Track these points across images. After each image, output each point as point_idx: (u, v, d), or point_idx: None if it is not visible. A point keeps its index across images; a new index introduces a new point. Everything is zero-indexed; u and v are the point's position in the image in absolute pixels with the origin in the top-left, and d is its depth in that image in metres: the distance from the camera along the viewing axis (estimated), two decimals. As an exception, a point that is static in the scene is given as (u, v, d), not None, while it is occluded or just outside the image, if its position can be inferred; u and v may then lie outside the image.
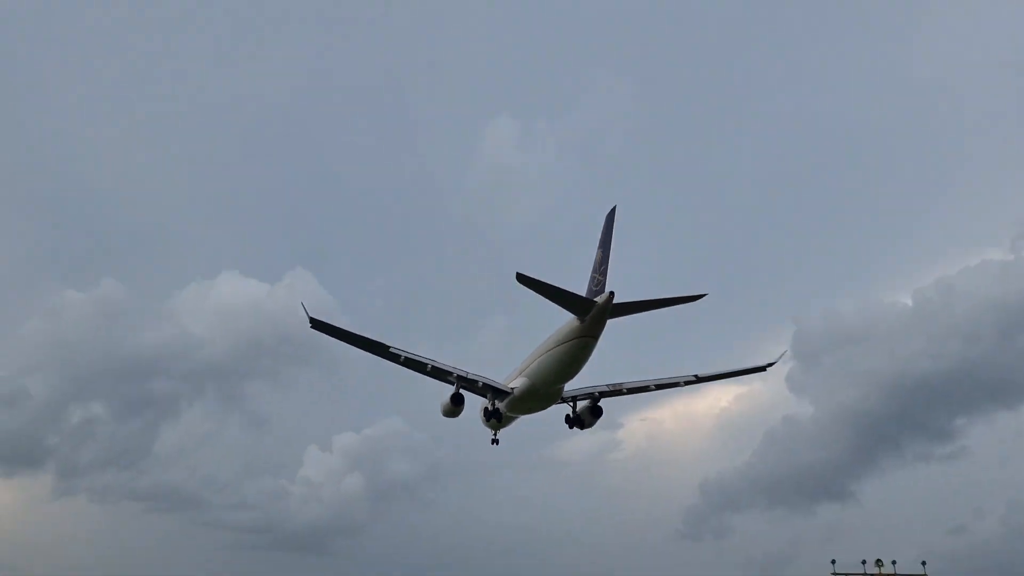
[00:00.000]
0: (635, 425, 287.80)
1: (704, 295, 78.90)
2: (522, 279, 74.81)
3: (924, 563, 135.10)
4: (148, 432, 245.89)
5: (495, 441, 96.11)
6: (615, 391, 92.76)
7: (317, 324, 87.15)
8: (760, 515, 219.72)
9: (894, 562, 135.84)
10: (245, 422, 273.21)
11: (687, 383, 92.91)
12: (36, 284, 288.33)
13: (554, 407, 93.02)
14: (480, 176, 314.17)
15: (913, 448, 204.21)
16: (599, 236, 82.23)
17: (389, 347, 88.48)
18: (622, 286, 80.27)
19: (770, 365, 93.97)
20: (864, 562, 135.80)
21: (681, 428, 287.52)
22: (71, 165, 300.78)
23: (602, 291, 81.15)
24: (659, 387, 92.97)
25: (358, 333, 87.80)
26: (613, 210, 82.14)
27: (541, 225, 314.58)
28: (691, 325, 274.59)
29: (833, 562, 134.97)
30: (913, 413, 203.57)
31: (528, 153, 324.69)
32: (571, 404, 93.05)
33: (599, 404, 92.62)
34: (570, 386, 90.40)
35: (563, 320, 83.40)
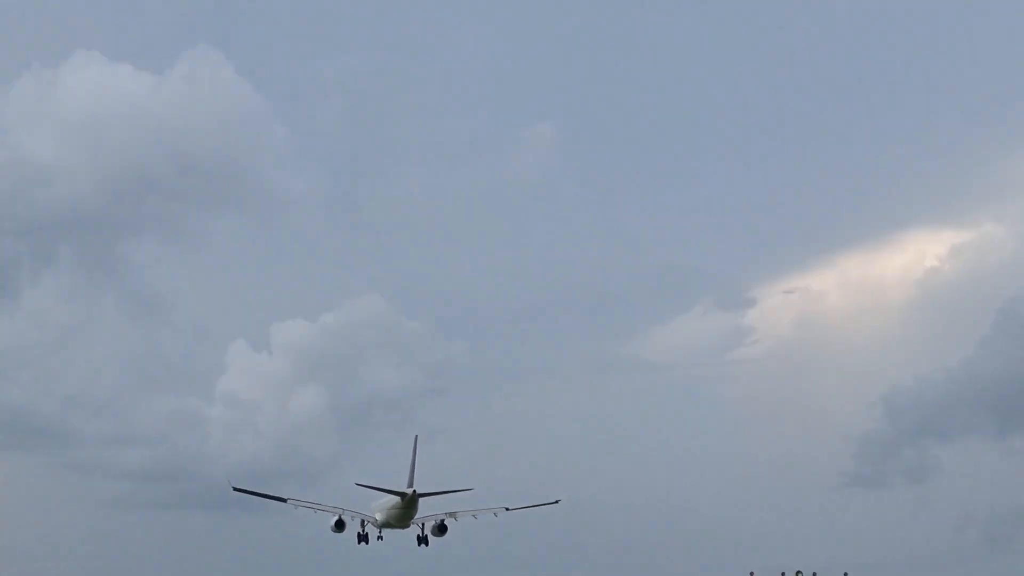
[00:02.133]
0: (775, 301, 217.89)
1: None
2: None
3: None
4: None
5: (379, 537, 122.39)
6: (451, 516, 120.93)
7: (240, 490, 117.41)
8: (984, 446, 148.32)
9: None
10: (128, 305, 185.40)
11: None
12: None
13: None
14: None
15: None
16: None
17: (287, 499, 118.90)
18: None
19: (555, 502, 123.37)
20: None
21: (853, 304, 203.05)
22: None
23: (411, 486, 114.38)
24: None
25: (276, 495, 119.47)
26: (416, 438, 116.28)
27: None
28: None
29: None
30: None
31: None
32: (420, 525, 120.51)
33: (444, 524, 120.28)
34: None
35: None
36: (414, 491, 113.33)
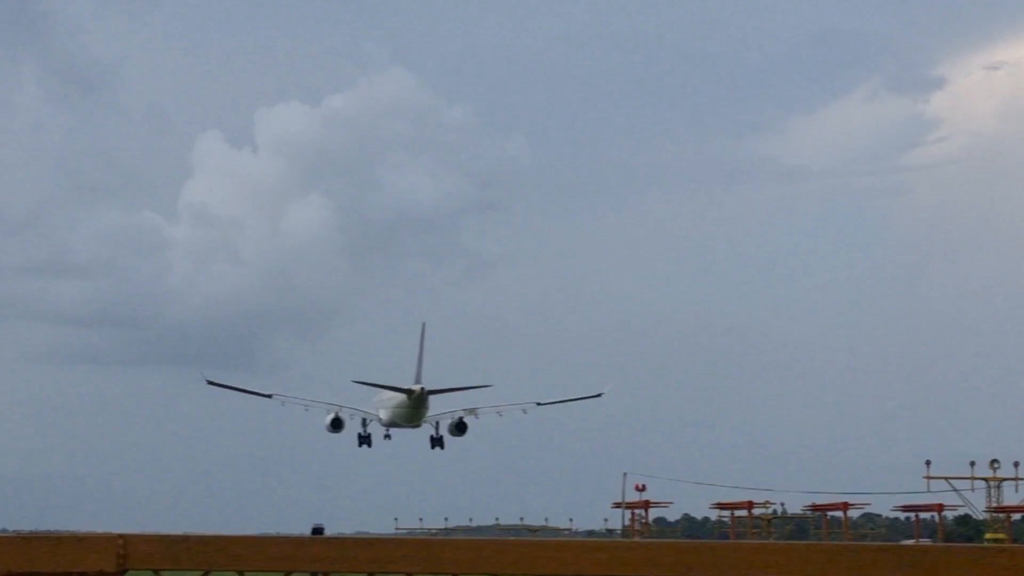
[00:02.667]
0: (972, 80, 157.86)
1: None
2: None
3: None
4: None
5: (387, 436, 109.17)
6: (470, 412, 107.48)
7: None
8: None
9: None
10: (56, 80, 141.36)
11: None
12: None
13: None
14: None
15: None
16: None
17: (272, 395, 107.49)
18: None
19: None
20: None
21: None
22: None
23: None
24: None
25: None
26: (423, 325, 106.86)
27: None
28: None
29: None
30: None
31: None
32: (435, 425, 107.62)
33: (464, 422, 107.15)
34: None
35: None
36: (422, 388, 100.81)
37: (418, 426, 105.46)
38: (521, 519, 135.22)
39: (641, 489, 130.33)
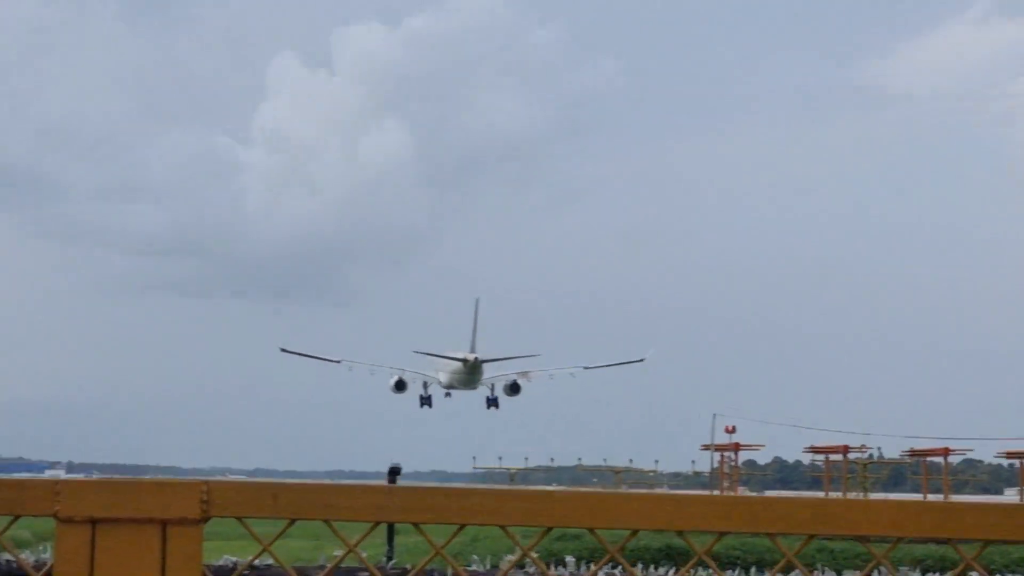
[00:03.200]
0: None
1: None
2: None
3: None
4: None
5: (447, 394, 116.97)
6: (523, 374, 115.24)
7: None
8: None
9: None
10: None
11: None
12: None
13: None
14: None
15: None
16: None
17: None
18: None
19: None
20: None
21: None
22: None
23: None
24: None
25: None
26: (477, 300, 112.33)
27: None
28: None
29: None
30: None
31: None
32: (490, 387, 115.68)
33: (518, 383, 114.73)
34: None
35: None
36: (476, 358, 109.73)
37: (475, 388, 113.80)
38: (604, 460, 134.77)
39: (731, 431, 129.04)
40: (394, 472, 61.05)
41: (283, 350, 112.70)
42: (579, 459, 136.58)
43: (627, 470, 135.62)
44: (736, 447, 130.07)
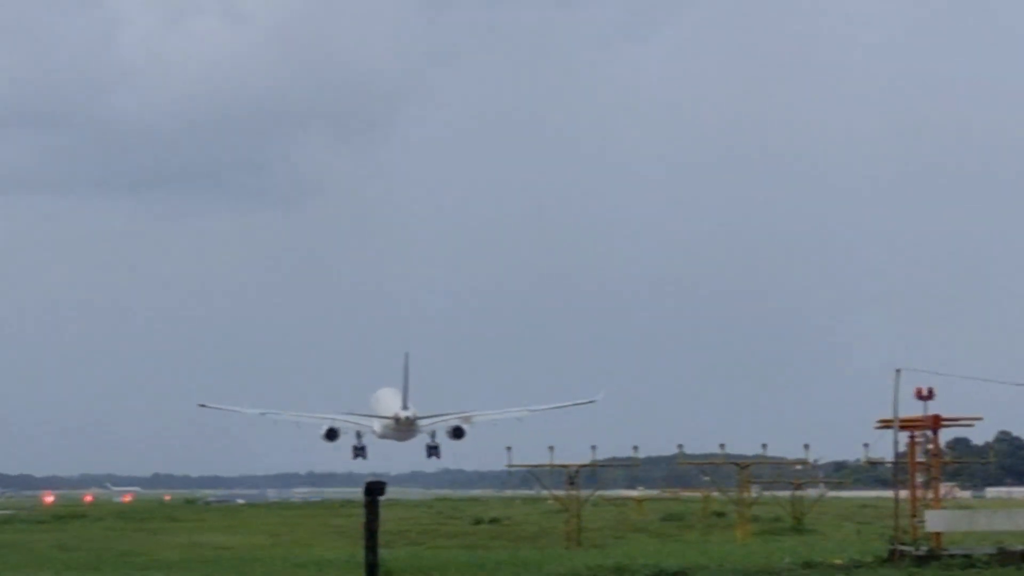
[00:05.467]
0: None
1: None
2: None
3: None
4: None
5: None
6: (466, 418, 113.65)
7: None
8: None
9: None
10: None
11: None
12: None
13: None
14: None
15: None
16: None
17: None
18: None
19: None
20: None
21: None
22: None
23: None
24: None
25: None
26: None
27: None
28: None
29: None
30: None
31: None
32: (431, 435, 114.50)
33: (460, 428, 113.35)
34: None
35: None
36: (408, 416, 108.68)
37: (411, 439, 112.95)
38: (721, 446, 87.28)
39: (926, 397, 79.95)
40: (377, 489, 41.80)
41: (201, 405, 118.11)
42: (679, 447, 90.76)
43: (759, 461, 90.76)
44: (935, 421, 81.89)
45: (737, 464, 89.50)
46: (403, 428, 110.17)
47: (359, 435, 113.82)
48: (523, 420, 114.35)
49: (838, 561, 56.03)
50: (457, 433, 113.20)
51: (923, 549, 56.22)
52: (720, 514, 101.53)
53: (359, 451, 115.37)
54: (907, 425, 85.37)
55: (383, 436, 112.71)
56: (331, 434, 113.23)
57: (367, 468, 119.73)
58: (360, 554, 37.84)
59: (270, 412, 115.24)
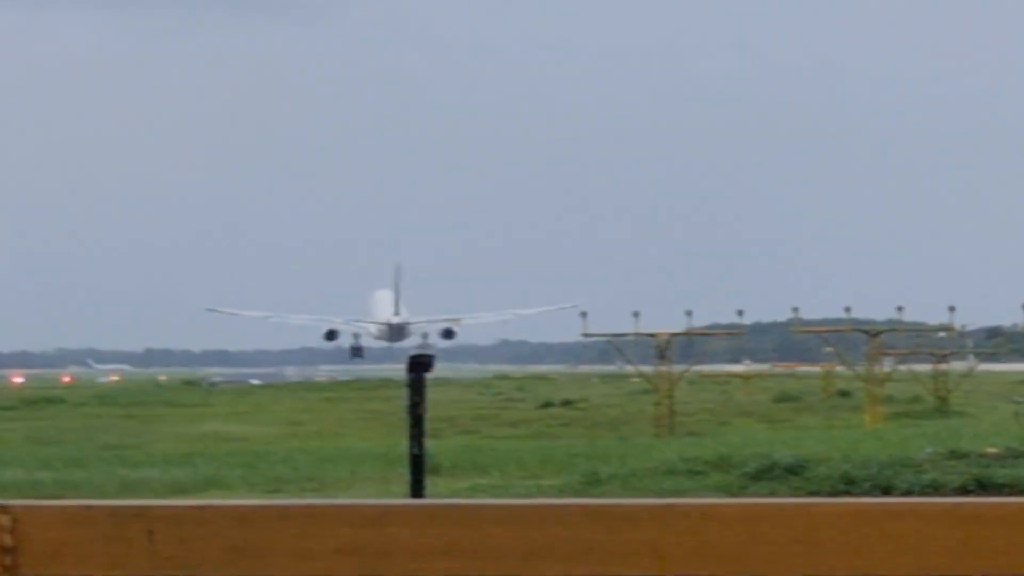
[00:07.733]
0: None
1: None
2: None
3: None
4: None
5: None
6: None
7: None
8: None
9: None
10: None
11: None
12: None
13: None
14: None
15: None
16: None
17: None
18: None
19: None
20: None
21: None
22: None
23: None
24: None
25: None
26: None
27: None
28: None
29: None
30: None
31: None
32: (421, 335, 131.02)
33: (451, 329, 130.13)
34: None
35: None
36: (399, 322, 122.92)
37: (402, 341, 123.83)
38: (846, 310, 75.20)
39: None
40: (423, 365, 28.29)
41: (210, 310, 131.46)
42: (795, 310, 77.56)
43: (893, 328, 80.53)
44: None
45: (866, 332, 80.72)
46: (395, 331, 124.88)
47: (356, 336, 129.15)
48: (508, 323, 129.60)
49: (992, 450, 44.40)
50: (448, 334, 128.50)
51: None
52: (845, 393, 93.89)
53: (356, 351, 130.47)
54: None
55: (378, 338, 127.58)
56: (331, 335, 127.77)
57: (410, 342, 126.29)
58: (401, 445, 27.73)
59: (273, 316, 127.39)
